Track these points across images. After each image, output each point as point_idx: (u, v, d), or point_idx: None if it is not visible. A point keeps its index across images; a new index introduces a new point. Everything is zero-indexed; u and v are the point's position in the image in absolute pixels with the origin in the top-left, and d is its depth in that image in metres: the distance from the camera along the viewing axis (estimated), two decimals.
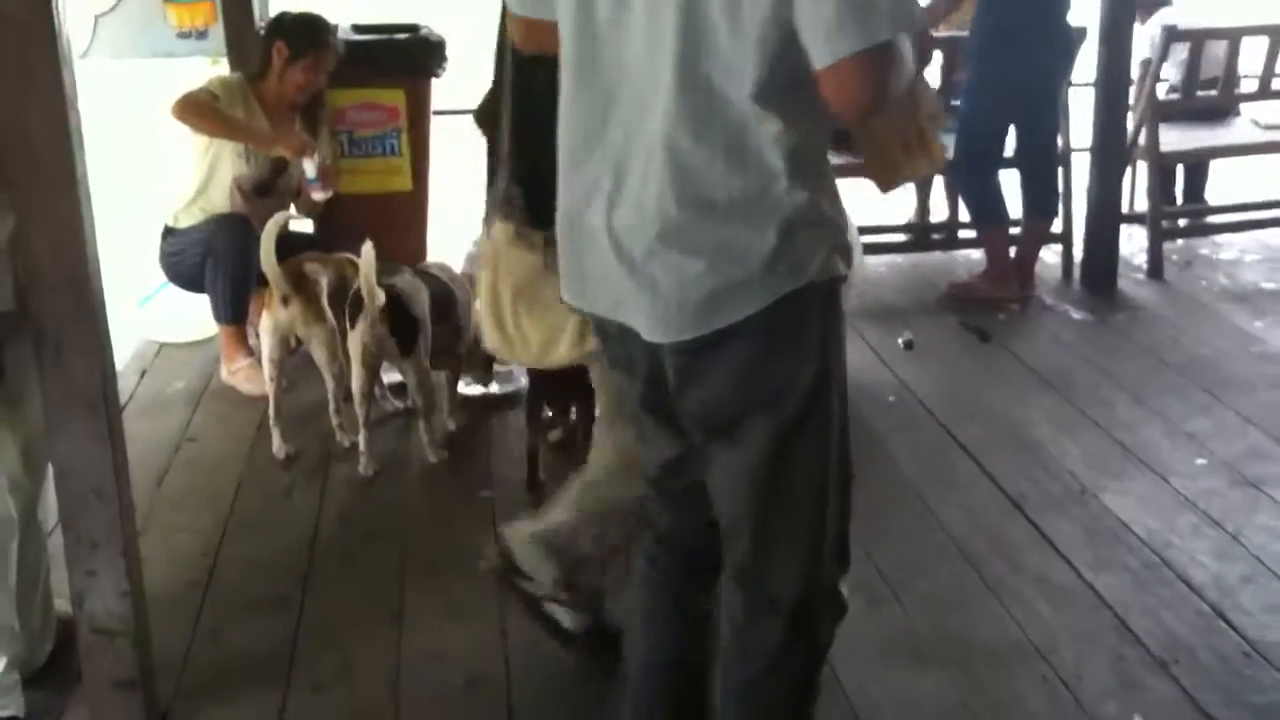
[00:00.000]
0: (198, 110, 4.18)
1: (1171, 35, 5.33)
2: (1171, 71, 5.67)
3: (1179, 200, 6.13)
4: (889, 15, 1.54)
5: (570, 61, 1.78)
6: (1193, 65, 5.43)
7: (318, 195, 4.40)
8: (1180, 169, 6.12)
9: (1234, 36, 5.48)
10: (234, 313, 4.23)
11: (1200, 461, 3.66)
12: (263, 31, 4.81)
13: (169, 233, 4.36)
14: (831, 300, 1.80)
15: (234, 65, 4.91)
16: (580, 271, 1.83)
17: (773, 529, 1.87)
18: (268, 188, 4.35)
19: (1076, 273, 5.37)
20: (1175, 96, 5.66)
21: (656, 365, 1.81)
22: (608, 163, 1.74)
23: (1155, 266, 5.43)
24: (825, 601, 1.94)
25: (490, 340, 2.55)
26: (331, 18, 4.97)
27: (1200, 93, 5.56)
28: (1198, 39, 5.41)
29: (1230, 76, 5.48)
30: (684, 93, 1.64)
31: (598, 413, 2.81)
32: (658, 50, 1.65)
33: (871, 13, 1.53)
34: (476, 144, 2.70)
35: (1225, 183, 6.39)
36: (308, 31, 4.36)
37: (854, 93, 1.59)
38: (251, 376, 4.15)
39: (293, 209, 4.46)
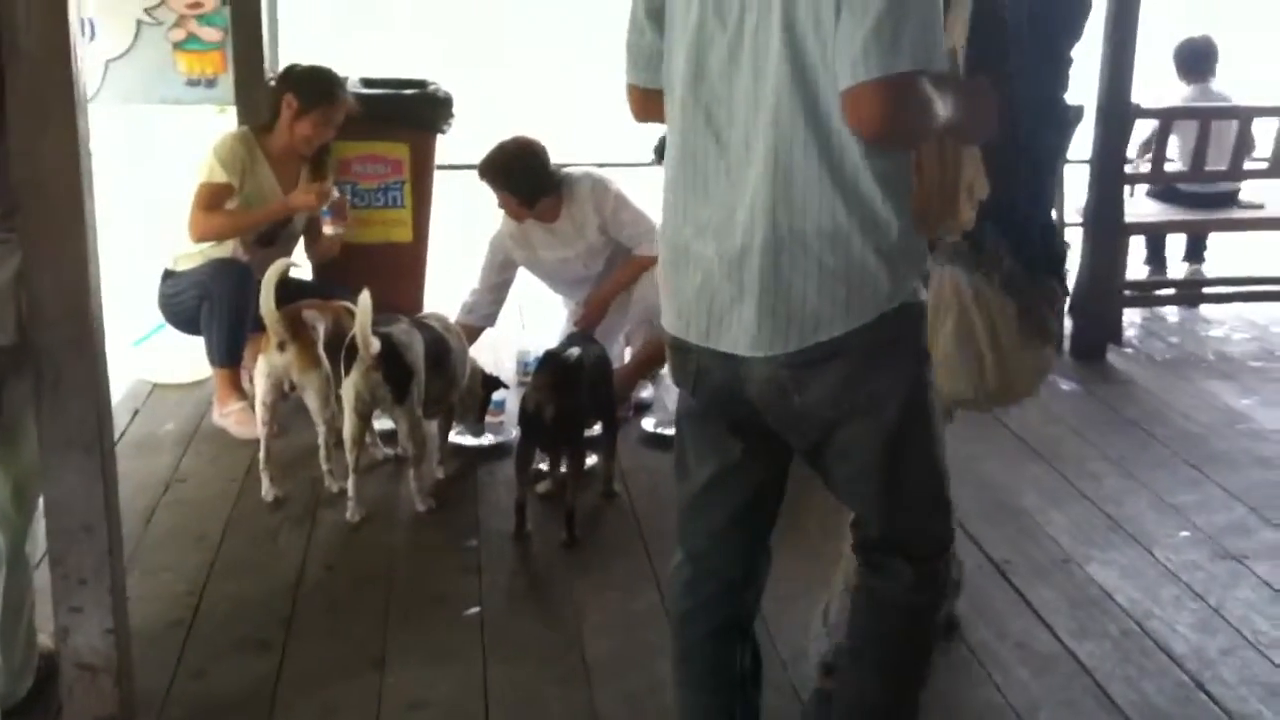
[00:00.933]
0: (217, 229, 4.26)
1: (1135, 113, 5.44)
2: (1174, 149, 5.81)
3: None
4: (909, 51, 1.74)
5: (680, 115, 1.99)
6: (1161, 142, 5.56)
7: (328, 230, 4.45)
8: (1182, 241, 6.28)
9: (1204, 118, 5.58)
10: (228, 356, 4.27)
11: (1184, 534, 3.68)
12: (272, 83, 4.89)
13: (168, 275, 4.40)
14: (922, 318, 2.01)
15: (242, 115, 4.97)
16: (680, 299, 2.04)
17: (896, 510, 2.10)
18: (271, 237, 4.40)
19: (1067, 344, 5.42)
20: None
21: (737, 383, 2.00)
22: (718, 198, 1.95)
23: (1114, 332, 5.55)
24: (943, 551, 2.19)
25: (959, 389, 2.60)
26: (341, 71, 5.06)
27: (1167, 168, 5.74)
28: (1164, 117, 5.61)
29: (1200, 157, 5.54)
30: (789, 132, 1.84)
31: None
32: (763, 94, 1.86)
33: (895, 47, 1.73)
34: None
35: (1227, 258, 6.48)
36: (318, 85, 4.41)
37: (869, 115, 1.77)
38: (243, 420, 4.18)
39: (298, 254, 4.50)
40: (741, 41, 1.88)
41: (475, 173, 4.56)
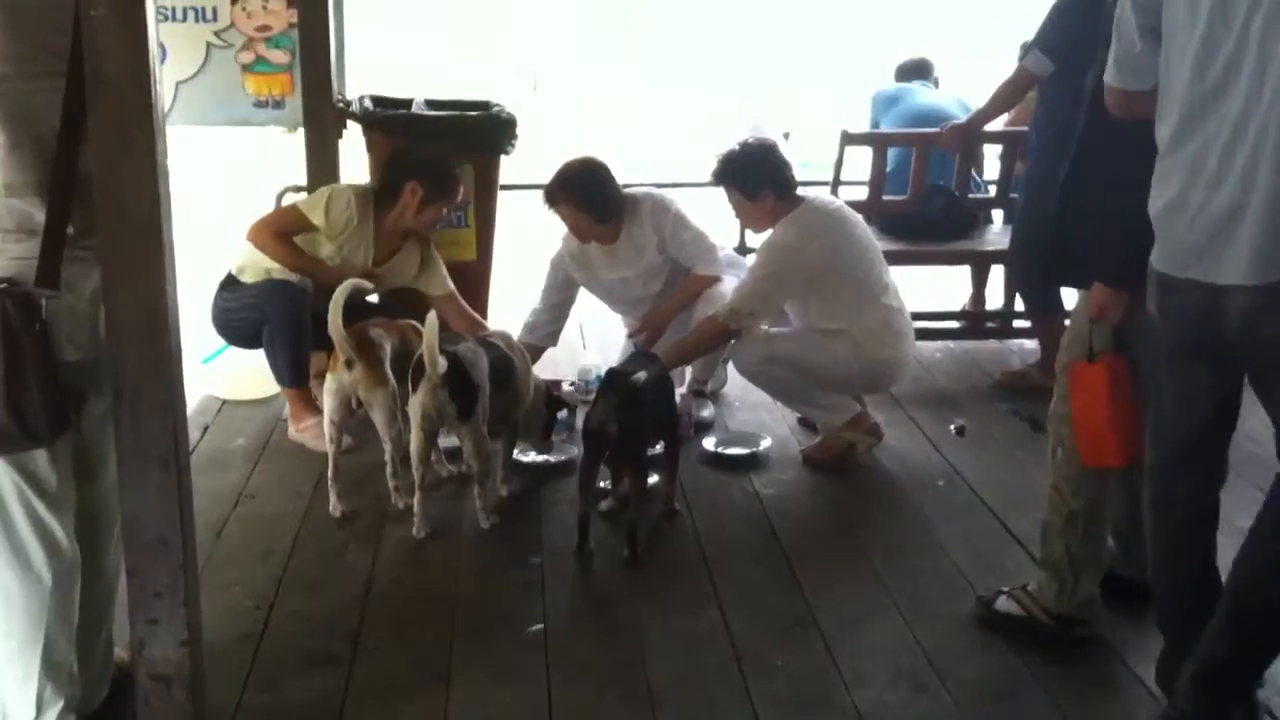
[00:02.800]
0: (276, 248, 4.32)
1: (845, 140, 5.42)
2: None
3: None
4: None
5: (1180, 104, 2.44)
6: (878, 167, 5.46)
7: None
8: None
9: (919, 143, 5.48)
10: (295, 378, 4.34)
11: None
12: (339, 103, 4.99)
13: (231, 282, 4.45)
14: None
15: (309, 135, 5.06)
16: (1174, 241, 2.49)
17: None
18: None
19: None
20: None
21: (1218, 312, 2.41)
22: (1219, 163, 2.36)
23: None
24: None
25: None
26: (406, 93, 5.13)
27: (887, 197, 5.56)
28: (879, 143, 5.52)
29: (919, 182, 5.47)
30: None
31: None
32: (1267, 80, 2.26)
33: None
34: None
35: None
36: (442, 176, 4.48)
37: None
38: (320, 435, 4.23)
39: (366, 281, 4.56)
40: (1247, 41, 2.27)
41: (543, 196, 4.60)
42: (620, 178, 4.68)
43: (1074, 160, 3.04)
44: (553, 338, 4.86)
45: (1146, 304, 2.80)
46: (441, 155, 4.59)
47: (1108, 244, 2.90)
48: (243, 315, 4.36)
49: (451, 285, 4.68)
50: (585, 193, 4.54)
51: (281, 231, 4.33)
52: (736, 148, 4.37)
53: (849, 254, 4.27)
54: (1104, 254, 2.90)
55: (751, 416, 4.78)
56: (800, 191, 4.38)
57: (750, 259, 4.71)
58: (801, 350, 4.29)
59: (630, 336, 4.90)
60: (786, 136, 14.18)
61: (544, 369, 4.61)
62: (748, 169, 4.31)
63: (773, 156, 4.35)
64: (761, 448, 4.38)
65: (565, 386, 4.73)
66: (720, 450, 4.37)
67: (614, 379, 3.72)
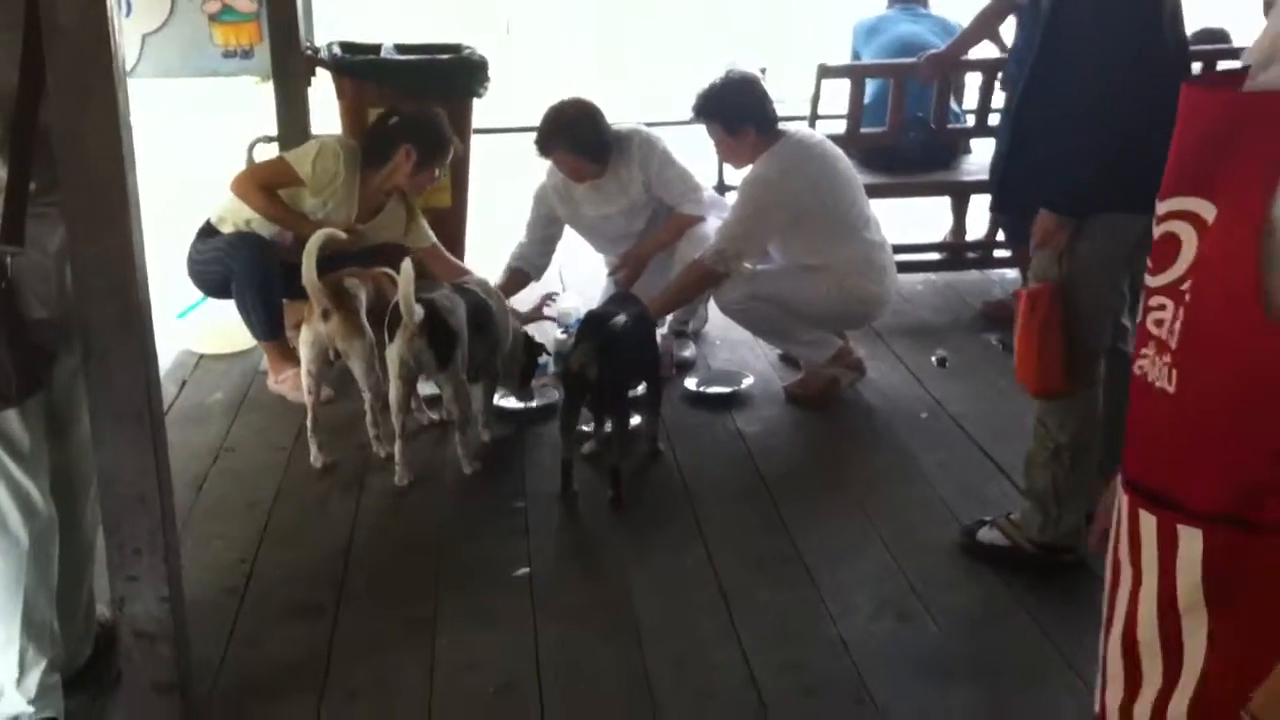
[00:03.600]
0: (258, 200, 4.26)
1: (821, 72, 5.37)
2: None
3: None
4: None
5: None
6: (855, 99, 5.39)
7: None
8: None
9: (896, 74, 5.39)
10: (269, 330, 4.29)
11: None
12: (308, 51, 4.92)
13: (208, 231, 4.39)
14: None
15: (279, 86, 4.99)
16: None
17: None
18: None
19: None
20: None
21: None
22: None
23: None
24: None
25: None
26: (375, 37, 5.06)
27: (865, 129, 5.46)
28: (855, 75, 5.45)
29: (898, 114, 5.39)
30: None
31: None
32: None
33: None
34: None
35: None
36: (435, 138, 4.41)
37: None
38: (298, 385, 4.19)
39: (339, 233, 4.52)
40: None
41: (535, 142, 4.56)
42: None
43: (1025, 85, 3.03)
44: (540, 270, 4.88)
45: (1093, 233, 2.80)
46: (434, 115, 4.50)
47: (1053, 171, 2.88)
48: (212, 267, 4.32)
49: (434, 237, 4.64)
50: (580, 137, 4.52)
51: (266, 183, 4.28)
52: (718, 81, 4.32)
53: (831, 188, 4.24)
54: (1048, 181, 2.90)
55: (733, 355, 4.77)
56: (782, 126, 4.34)
57: (730, 198, 4.68)
58: (783, 287, 4.27)
59: (610, 274, 4.88)
60: (763, 72, 14.11)
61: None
62: (729, 103, 4.27)
63: (755, 90, 4.31)
64: (743, 386, 4.37)
65: (557, 334, 4.70)
66: (702, 389, 4.36)
67: (593, 321, 3.70)
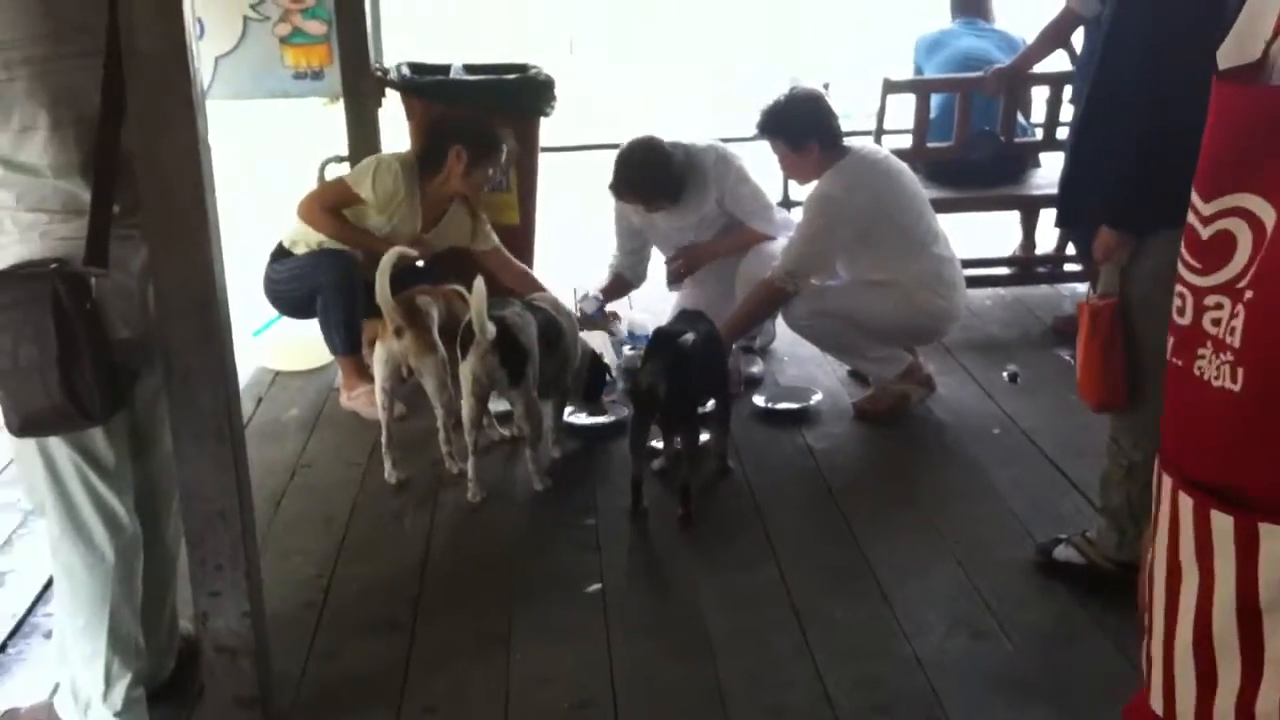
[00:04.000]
0: (323, 225, 4.34)
1: (887, 88, 5.33)
2: None
3: None
4: None
5: None
6: (922, 113, 5.33)
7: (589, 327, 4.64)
8: None
9: (961, 88, 5.34)
10: (348, 345, 4.35)
11: None
12: (379, 72, 4.98)
13: (281, 253, 4.47)
14: None
15: (349, 105, 5.05)
16: None
17: None
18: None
19: None
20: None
21: None
22: None
23: None
24: None
25: None
26: (443, 58, 5.11)
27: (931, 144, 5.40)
28: (921, 89, 5.39)
29: (964, 128, 5.33)
30: None
31: None
32: None
33: None
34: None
35: None
36: (486, 138, 4.46)
37: None
38: (372, 402, 4.25)
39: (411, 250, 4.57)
40: None
41: (609, 189, 4.63)
42: (668, 136, 4.67)
43: (1085, 100, 3.01)
44: (640, 277, 5.00)
45: (1154, 250, 2.77)
46: (481, 117, 4.58)
47: (1113, 187, 2.86)
48: (293, 285, 4.38)
49: (496, 239, 4.69)
50: (650, 181, 4.57)
51: (330, 206, 4.35)
52: (782, 98, 4.33)
53: (896, 203, 4.23)
54: (1110, 197, 2.87)
55: (801, 371, 4.76)
56: (846, 142, 4.33)
57: (797, 214, 4.68)
58: (851, 303, 4.26)
59: (668, 262, 4.92)
60: (826, 87, 14.07)
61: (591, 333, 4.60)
62: (793, 119, 4.27)
63: (818, 106, 4.31)
64: (812, 402, 4.36)
65: (627, 350, 4.73)
66: (771, 406, 4.35)
67: (662, 339, 3.71)
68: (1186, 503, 1.45)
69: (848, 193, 4.19)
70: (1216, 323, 1.36)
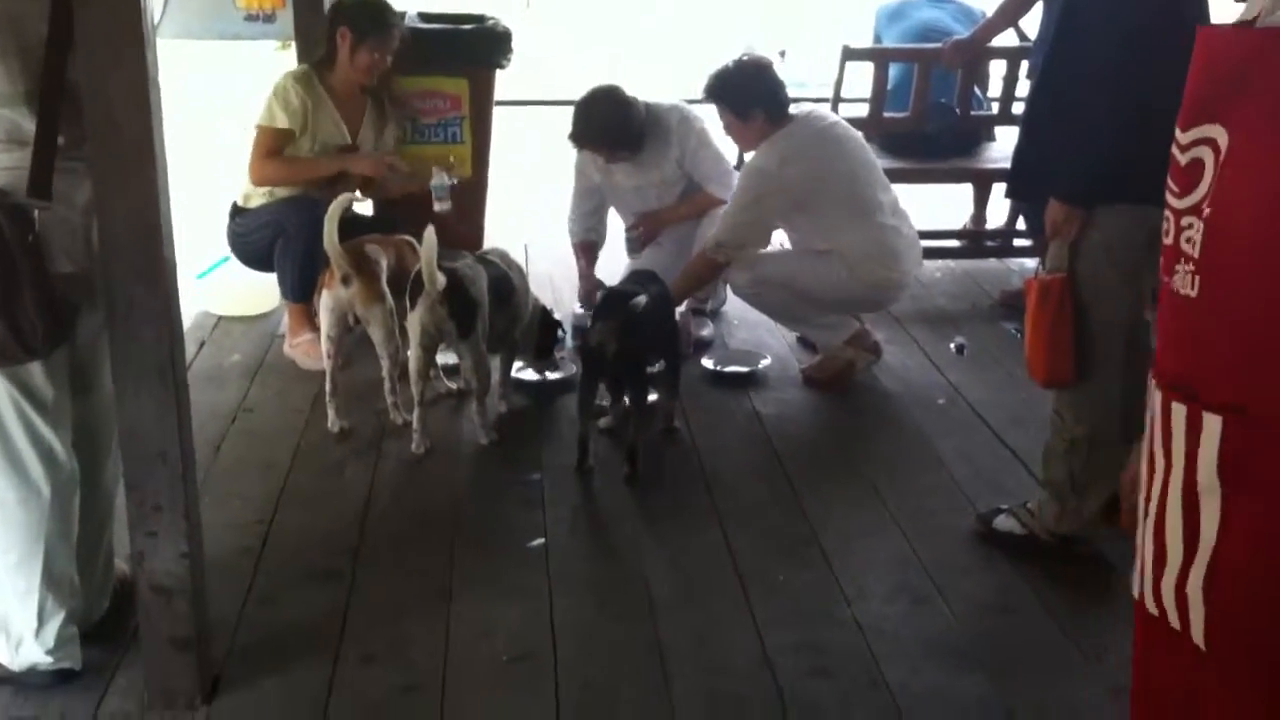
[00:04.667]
0: (275, 176, 4.31)
1: (846, 55, 5.31)
2: None
3: None
4: None
5: None
6: (879, 83, 5.32)
7: (438, 207, 4.51)
8: None
9: (921, 59, 5.33)
10: (301, 290, 4.29)
11: None
12: (329, 22, 4.89)
13: (238, 212, 4.42)
14: None
15: (301, 50, 4.97)
16: None
17: None
18: (336, 177, 4.40)
19: None
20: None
21: None
22: None
23: None
24: None
25: None
26: (399, 5, 5.04)
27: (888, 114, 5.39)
28: (880, 58, 5.38)
29: (921, 99, 5.33)
30: None
31: None
32: None
33: None
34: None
35: None
36: (370, 14, 4.38)
37: None
38: (311, 351, 4.21)
39: (357, 193, 4.53)
40: None
41: (569, 138, 4.58)
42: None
43: (1040, 73, 3.03)
44: (599, 233, 4.95)
45: (1103, 224, 2.80)
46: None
47: (1064, 161, 2.87)
48: (259, 234, 4.32)
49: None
50: (612, 130, 4.53)
51: (267, 154, 4.28)
52: (730, 65, 4.29)
53: (834, 174, 4.19)
54: (1060, 170, 2.88)
55: (751, 335, 4.76)
56: (794, 110, 4.31)
57: None
58: (794, 271, 4.26)
59: (627, 230, 4.89)
60: (782, 55, 13.98)
61: (541, 288, 4.57)
62: (739, 88, 4.24)
63: (765, 76, 4.28)
64: (760, 366, 4.36)
65: (576, 308, 4.71)
66: (719, 368, 4.35)
67: (613, 298, 3.69)
68: (1157, 398, 1.57)
69: (780, 165, 4.16)
70: (1190, 241, 1.49)
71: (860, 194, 4.22)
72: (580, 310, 4.66)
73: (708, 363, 4.39)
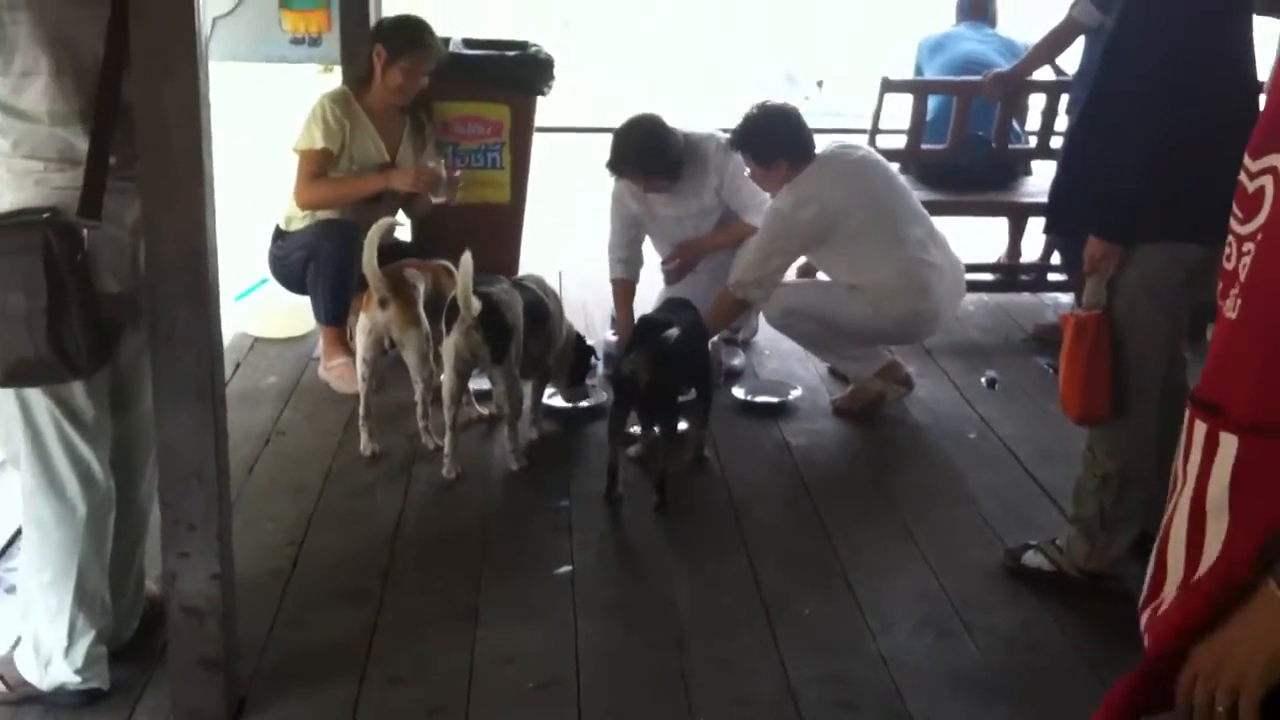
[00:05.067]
0: (320, 198, 4.34)
1: (885, 86, 5.31)
2: None
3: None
4: None
5: None
6: (918, 114, 5.33)
7: (436, 199, 4.48)
8: None
9: (960, 91, 5.33)
10: (334, 314, 4.34)
11: None
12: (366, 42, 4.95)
13: (279, 235, 4.48)
14: None
15: (347, 75, 5.02)
16: None
17: None
18: (376, 196, 4.44)
19: None
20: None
21: None
22: None
23: None
24: None
25: None
26: (445, 30, 5.09)
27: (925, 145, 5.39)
28: (919, 90, 5.39)
29: (959, 131, 5.33)
30: None
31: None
32: None
33: None
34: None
35: None
36: (405, 33, 4.42)
37: None
38: (344, 375, 4.25)
39: (400, 214, 4.56)
40: None
41: (606, 166, 4.58)
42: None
43: (1083, 109, 3.03)
44: (637, 269, 4.85)
45: (1142, 262, 2.80)
46: (407, 15, 4.53)
47: (1103, 197, 2.87)
48: (296, 257, 4.37)
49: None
50: (649, 158, 4.52)
51: (311, 177, 4.33)
52: (754, 113, 4.30)
53: (853, 210, 4.17)
54: (1100, 206, 2.89)
55: (782, 365, 4.77)
56: (819, 149, 4.31)
57: None
58: (823, 304, 4.26)
59: (663, 263, 4.89)
60: (820, 85, 14.04)
61: (574, 314, 4.59)
62: (762, 136, 4.24)
63: (788, 123, 4.27)
64: (790, 397, 4.37)
65: (609, 335, 4.70)
66: (750, 398, 4.36)
67: (646, 327, 3.71)
68: (1186, 417, 1.56)
69: (794, 208, 4.17)
70: (1245, 266, 1.49)
71: (884, 227, 4.19)
72: (613, 337, 4.67)
73: (738, 392, 4.39)
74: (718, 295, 4.36)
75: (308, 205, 4.35)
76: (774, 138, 4.24)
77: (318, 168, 4.33)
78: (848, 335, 4.27)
